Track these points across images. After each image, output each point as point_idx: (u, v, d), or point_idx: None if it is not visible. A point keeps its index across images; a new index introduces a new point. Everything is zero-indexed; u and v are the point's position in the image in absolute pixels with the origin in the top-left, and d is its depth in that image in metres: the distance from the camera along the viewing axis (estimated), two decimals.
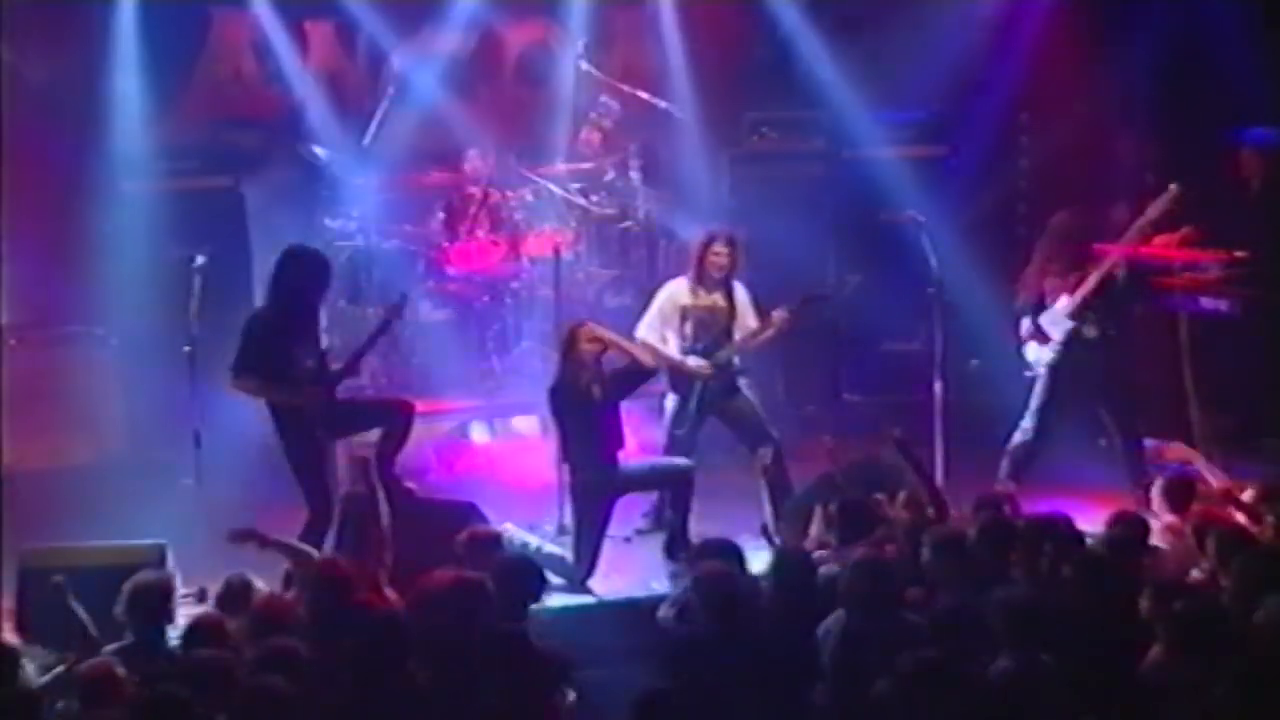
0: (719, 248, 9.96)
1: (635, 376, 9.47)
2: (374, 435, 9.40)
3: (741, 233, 10.41)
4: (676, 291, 10.04)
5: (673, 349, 9.91)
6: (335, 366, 9.32)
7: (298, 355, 9.10)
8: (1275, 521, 7.95)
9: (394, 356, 11.70)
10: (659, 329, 9.95)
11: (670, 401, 10.04)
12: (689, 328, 9.97)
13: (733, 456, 10.27)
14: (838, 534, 8.18)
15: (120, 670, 6.47)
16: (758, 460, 9.73)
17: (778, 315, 9.93)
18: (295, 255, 9.29)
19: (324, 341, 9.32)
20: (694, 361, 9.89)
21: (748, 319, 10.01)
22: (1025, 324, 10.04)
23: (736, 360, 10.00)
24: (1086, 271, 9.89)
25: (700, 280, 10.00)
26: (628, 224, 12.64)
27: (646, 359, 9.57)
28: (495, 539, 8.10)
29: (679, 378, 9.96)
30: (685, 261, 10.39)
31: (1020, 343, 10.09)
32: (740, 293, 10.07)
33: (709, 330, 9.97)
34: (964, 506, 8.61)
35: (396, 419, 9.39)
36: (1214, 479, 8.80)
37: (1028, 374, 10.05)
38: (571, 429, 9.35)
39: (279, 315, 9.14)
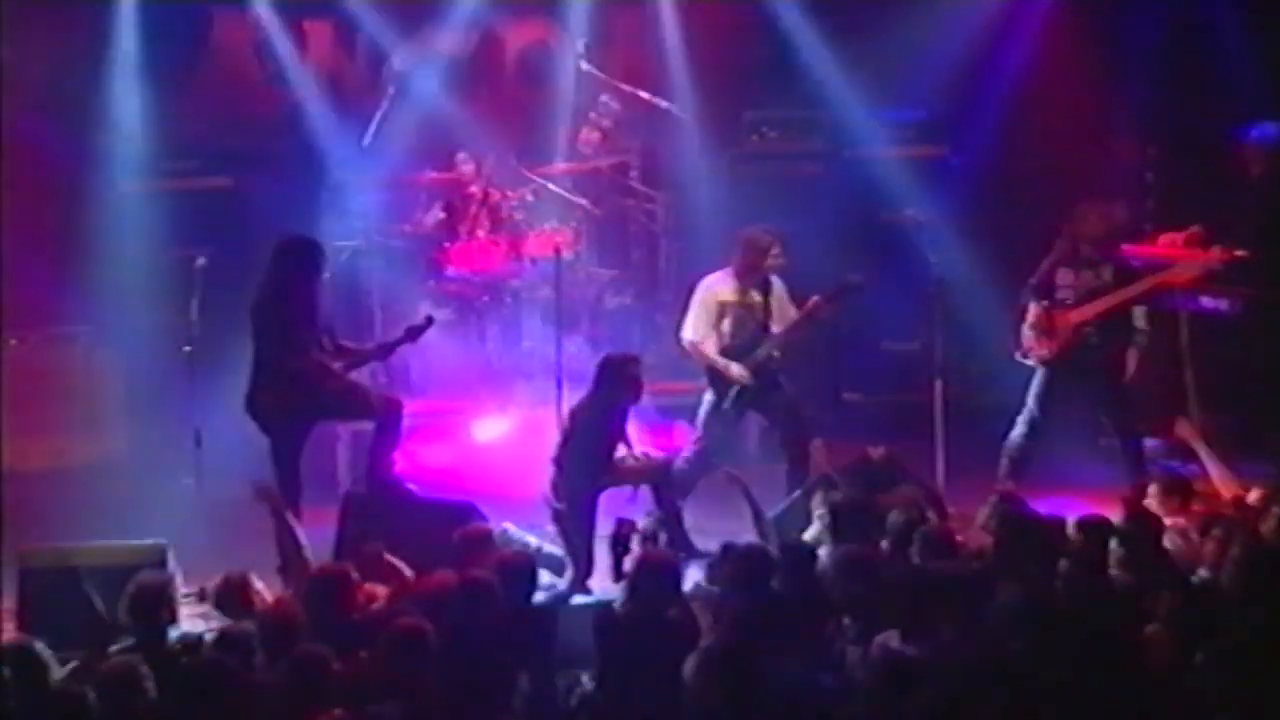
0: (777, 250, 10.12)
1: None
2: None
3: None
4: (718, 288, 10.15)
5: (712, 346, 10.04)
6: (335, 364, 9.35)
7: (294, 343, 9.21)
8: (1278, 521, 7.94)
9: (394, 355, 11.67)
10: (704, 329, 10.09)
11: (707, 399, 10.12)
12: (727, 324, 10.10)
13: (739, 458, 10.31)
14: (833, 534, 8.20)
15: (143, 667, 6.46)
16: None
17: (813, 303, 10.01)
18: (286, 248, 9.43)
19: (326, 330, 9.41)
20: (736, 370, 9.98)
21: (787, 311, 10.10)
22: (1032, 308, 10.01)
23: (776, 354, 10.06)
24: (1101, 275, 9.91)
25: (744, 277, 10.10)
26: (628, 224, 12.64)
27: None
28: (487, 536, 8.10)
29: (717, 377, 10.06)
30: (685, 261, 10.44)
31: (1019, 325, 10.06)
32: (777, 286, 10.17)
33: (746, 326, 10.08)
34: (964, 506, 8.62)
35: (386, 415, 9.47)
36: (1216, 471, 8.78)
37: (1019, 358, 10.05)
38: (576, 442, 9.37)
39: (275, 305, 9.26)
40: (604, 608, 7.32)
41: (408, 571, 7.88)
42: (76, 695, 6.25)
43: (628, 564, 7.58)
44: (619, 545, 7.71)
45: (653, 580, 7.18)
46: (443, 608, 6.95)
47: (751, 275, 10.09)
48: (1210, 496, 8.72)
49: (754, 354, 9.99)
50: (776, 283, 10.18)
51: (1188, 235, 10.58)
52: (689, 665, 6.24)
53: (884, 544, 7.86)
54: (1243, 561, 6.97)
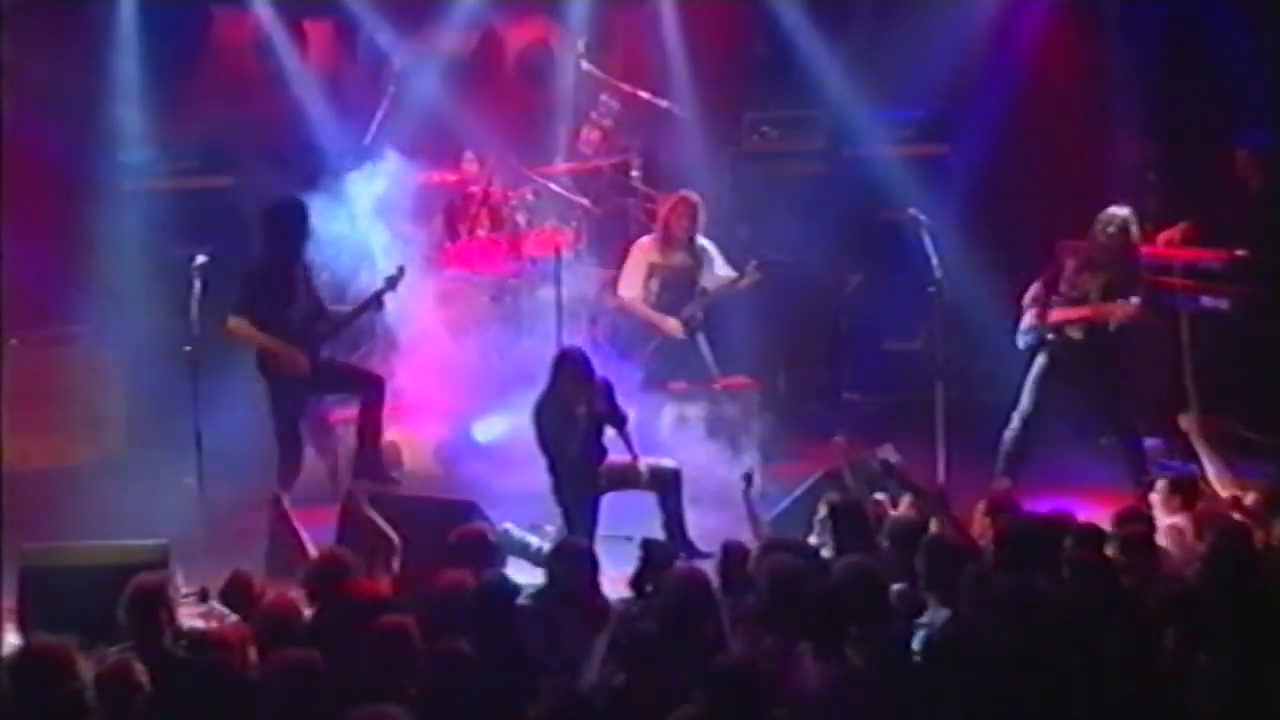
0: (682, 209, 10.88)
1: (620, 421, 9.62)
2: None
3: (742, 231, 10.65)
4: (648, 249, 10.97)
5: (640, 303, 10.90)
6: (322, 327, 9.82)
7: (283, 306, 9.66)
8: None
9: (394, 356, 11.68)
10: (635, 287, 10.93)
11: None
12: (655, 284, 10.91)
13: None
14: (833, 535, 8.19)
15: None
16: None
17: (743, 271, 10.78)
18: (274, 210, 9.90)
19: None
20: (671, 322, 10.80)
21: (718, 269, 10.85)
22: (1033, 289, 10.07)
23: (699, 315, 10.86)
24: (1097, 279, 9.92)
25: (671, 240, 10.87)
26: (628, 223, 12.64)
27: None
28: (483, 536, 8.09)
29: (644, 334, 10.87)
30: None
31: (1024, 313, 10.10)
32: (709, 249, 10.89)
33: (672, 288, 10.86)
34: (964, 506, 8.60)
35: (370, 390, 9.97)
36: (1214, 469, 8.76)
37: (1021, 343, 10.11)
38: (552, 445, 9.38)
39: (267, 267, 9.71)
40: (630, 618, 7.28)
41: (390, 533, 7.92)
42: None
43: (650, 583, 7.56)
44: (649, 568, 7.67)
45: (686, 597, 7.13)
46: (458, 608, 6.92)
47: (680, 238, 10.82)
48: (1213, 496, 8.70)
49: (679, 313, 10.77)
50: (708, 245, 10.87)
51: (1183, 230, 10.58)
52: None
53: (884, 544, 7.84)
54: (1237, 567, 6.96)
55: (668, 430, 10.50)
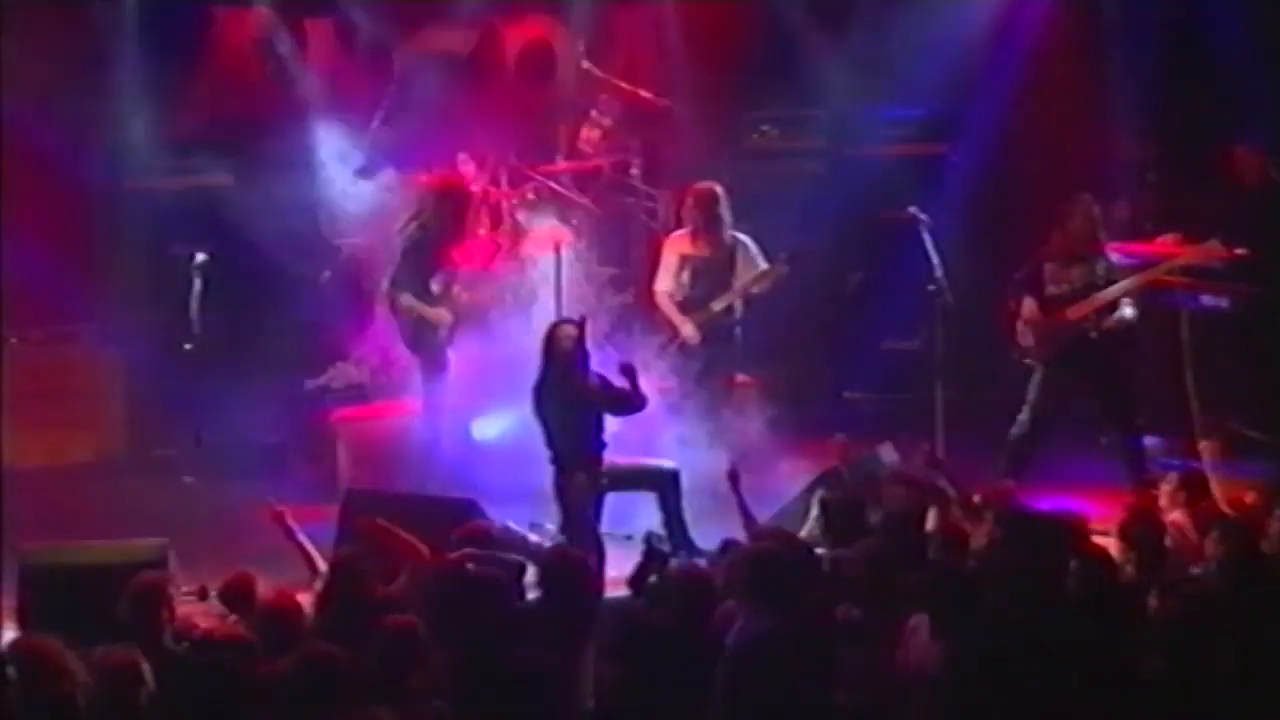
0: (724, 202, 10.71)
1: (621, 404, 9.51)
2: None
3: (742, 230, 10.61)
4: (678, 242, 10.80)
5: (670, 299, 10.71)
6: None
7: (436, 278, 10.49)
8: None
9: (394, 354, 11.69)
10: (669, 281, 10.75)
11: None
12: (686, 276, 10.69)
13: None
14: (826, 532, 8.20)
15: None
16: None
17: (772, 263, 10.56)
18: (446, 189, 10.81)
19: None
20: (688, 329, 10.58)
21: (753, 268, 10.59)
22: (1027, 304, 10.02)
23: (738, 305, 10.63)
24: (1095, 269, 9.93)
25: (700, 232, 10.67)
26: (629, 222, 12.64)
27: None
28: (487, 533, 8.09)
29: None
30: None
31: (1013, 319, 10.07)
32: (744, 243, 10.67)
33: (704, 279, 10.64)
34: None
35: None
36: (1219, 490, 8.77)
37: (1019, 359, 10.06)
38: (555, 429, 9.37)
39: (425, 240, 10.47)
40: (636, 613, 7.26)
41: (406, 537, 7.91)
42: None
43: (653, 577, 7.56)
44: (651, 563, 7.69)
45: (691, 595, 7.12)
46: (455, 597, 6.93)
47: (707, 229, 10.62)
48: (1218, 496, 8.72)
49: (709, 305, 10.55)
50: (744, 240, 10.66)
51: (1178, 238, 10.59)
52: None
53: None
54: (1239, 564, 6.97)
55: (667, 429, 10.46)
